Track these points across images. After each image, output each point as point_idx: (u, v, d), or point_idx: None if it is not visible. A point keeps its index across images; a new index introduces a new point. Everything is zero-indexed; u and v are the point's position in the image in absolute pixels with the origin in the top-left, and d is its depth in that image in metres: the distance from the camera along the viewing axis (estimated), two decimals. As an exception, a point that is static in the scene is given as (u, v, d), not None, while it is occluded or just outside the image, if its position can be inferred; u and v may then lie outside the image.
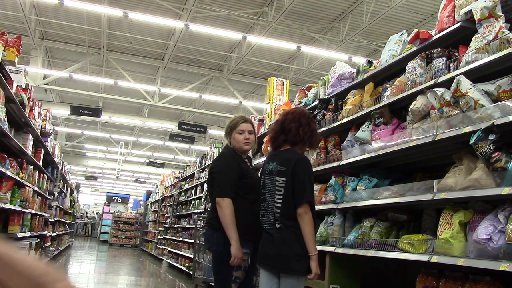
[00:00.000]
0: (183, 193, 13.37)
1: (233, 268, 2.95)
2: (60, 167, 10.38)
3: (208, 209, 6.72)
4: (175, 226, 13.09)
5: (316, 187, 4.21)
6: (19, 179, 5.17)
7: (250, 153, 3.61)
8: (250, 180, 3.11)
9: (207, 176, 6.35)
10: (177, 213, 13.31)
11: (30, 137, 5.91)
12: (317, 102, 4.79)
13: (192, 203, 11.93)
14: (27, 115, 5.39)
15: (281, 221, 2.78)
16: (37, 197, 7.15)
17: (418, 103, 3.09)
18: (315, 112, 4.66)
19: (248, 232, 3.00)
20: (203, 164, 11.09)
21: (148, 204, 21.24)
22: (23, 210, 5.60)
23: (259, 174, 3.13)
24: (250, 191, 3.07)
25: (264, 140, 5.93)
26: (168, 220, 14.15)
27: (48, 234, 8.98)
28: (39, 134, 6.42)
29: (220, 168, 3.14)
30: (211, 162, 6.26)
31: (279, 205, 2.79)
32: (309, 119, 2.98)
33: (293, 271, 2.72)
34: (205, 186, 9.31)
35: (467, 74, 2.72)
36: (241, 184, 3.06)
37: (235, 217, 2.94)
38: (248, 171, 3.15)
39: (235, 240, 2.89)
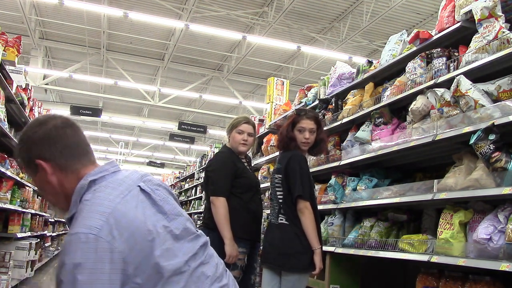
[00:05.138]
0: (183, 193, 13.37)
1: (230, 267, 2.95)
2: (60, 167, 10.35)
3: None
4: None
5: (316, 187, 4.21)
6: (19, 179, 5.18)
7: (250, 153, 3.62)
8: (246, 180, 3.12)
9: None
10: (177, 213, 13.29)
11: (30, 137, 5.90)
12: (317, 102, 4.79)
13: (192, 203, 11.93)
14: (27, 115, 5.39)
15: (283, 216, 2.83)
16: (37, 197, 7.15)
17: (418, 103, 3.09)
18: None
19: (244, 231, 3.01)
20: (203, 164, 11.09)
21: (148, 204, 21.21)
22: (23, 210, 5.60)
23: (258, 174, 3.16)
24: (245, 190, 3.09)
25: (264, 140, 5.93)
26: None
27: (48, 234, 8.97)
28: (39, 134, 6.40)
29: (215, 167, 3.15)
30: (207, 161, 6.24)
31: (281, 201, 2.87)
32: (286, 122, 3.10)
33: (294, 269, 2.73)
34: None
35: (467, 74, 2.72)
36: (237, 184, 3.07)
37: (230, 216, 2.95)
38: (243, 170, 3.16)
39: (229, 239, 2.90)
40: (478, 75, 2.77)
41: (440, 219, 2.74)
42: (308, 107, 4.91)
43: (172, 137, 18.74)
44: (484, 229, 2.37)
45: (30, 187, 6.05)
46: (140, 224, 1.17)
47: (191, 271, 1.22)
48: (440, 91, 2.91)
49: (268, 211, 3.09)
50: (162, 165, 25.14)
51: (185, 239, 1.27)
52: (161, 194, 1.31)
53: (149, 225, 1.19)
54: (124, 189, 1.24)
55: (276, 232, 2.83)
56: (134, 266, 1.13)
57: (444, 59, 3.07)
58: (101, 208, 1.16)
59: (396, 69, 3.74)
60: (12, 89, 4.52)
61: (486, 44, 2.66)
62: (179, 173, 16.28)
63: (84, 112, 15.19)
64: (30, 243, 5.90)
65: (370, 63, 4.20)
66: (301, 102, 5.24)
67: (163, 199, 1.30)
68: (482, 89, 2.63)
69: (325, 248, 3.75)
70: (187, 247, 1.26)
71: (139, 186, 1.27)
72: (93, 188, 1.24)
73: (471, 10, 2.81)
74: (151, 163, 25.13)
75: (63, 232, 13.44)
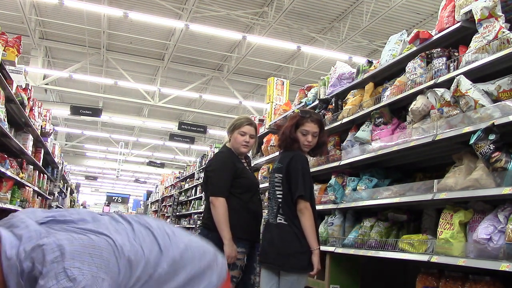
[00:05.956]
0: (183, 193, 13.37)
1: (229, 267, 2.95)
2: (60, 167, 10.37)
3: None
4: (175, 226, 13.10)
5: (316, 187, 4.21)
6: (19, 179, 5.17)
7: (250, 154, 3.61)
8: (245, 180, 3.12)
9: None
10: (177, 213, 13.31)
11: (30, 137, 5.91)
12: (317, 102, 4.79)
13: (192, 203, 11.94)
14: (27, 115, 5.38)
15: (281, 216, 2.82)
16: (37, 197, 7.15)
17: (418, 103, 3.09)
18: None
19: (243, 231, 3.01)
20: (203, 164, 11.08)
21: (148, 204, 21.26)
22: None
23: (258, 174, 3.15)
24: (245, 190, 3.09)
25: (264, 140, 5.93)
26: (168, 220, 14.15)
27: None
28: (39, 134, 6.41)
29: (215, 167, 3.15)
30: (207, 161, 6.23)
31: (280, 201, 2.85)
32: (287, 121, 3.09)
33: (293, 269, 2.73)
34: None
35: (467, 74, 2.72)
36: (236, 184, 3.07)
37: (230, 216, 2.95)
38: (243, 171, 3.15)
39: (228, 239, 2.90)
40: (478, 75, 2.77)
41: (440, 219, 2.74)
42: (308, 107, 4.90)
43: (172, 137, 18.74)
44: (484, 229, 2.38)
45: (30, 187, 6.05)
46: (89, 242, 1.14)
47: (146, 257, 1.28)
48: (440, 91, 2.91)
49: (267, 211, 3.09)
50: (162, 165, 25.14)
51: (118, 230, 1.28)
52: (54, 212, 1.27)
53: (93, 238, 1.16)
54: (40, 230, 1.17)
55: (275, 232, 2.83)
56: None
57: (444, 59, 3.08)
58: (51, 256, 1.09)
59: (396, 69, 3.74)
60: (12, 89, 4.52)
61: (486, 44, 2.66)
62: (179, 173, 16.28)
63: (84, 112, 15.19)
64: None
65: (370, 63, 4.20)
66: (301, 102, 5.24)
67: (60, 214, 1.25)
68: (482, 89, 2.63)
69: (325, 248, 3.75)
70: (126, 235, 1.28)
71: (39, 222, 1.21)
72: (22, 256, 1.13)
73: (471, 10, 2.82)
74: (151, 163, 25.13)
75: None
